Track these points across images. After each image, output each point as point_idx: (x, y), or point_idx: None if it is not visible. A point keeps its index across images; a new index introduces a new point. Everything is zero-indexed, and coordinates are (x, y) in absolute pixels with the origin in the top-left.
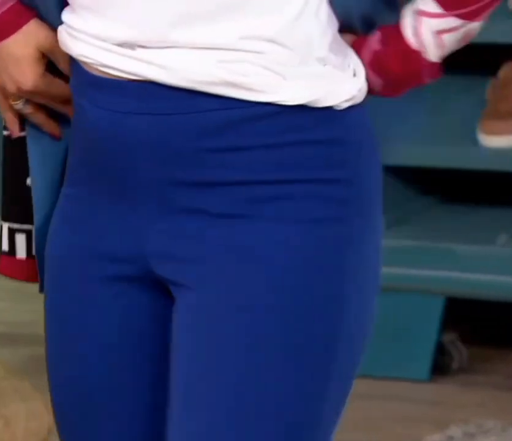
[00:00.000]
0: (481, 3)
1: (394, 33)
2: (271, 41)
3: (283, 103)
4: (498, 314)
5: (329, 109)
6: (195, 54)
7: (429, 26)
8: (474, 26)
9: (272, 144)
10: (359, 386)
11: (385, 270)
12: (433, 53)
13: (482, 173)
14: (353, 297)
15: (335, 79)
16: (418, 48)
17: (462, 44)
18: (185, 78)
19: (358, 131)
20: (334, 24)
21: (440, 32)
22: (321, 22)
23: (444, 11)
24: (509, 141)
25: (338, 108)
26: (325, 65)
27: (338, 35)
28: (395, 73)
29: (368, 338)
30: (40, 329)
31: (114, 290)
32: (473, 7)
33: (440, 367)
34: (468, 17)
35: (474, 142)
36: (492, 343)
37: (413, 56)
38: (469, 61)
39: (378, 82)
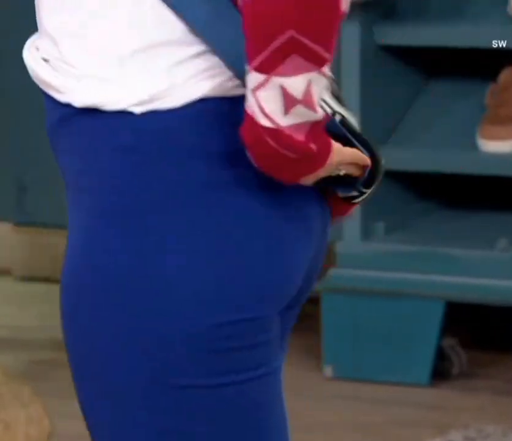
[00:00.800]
0: (266, 53)
1: None
2: (62, 43)
3: (75, 104)
4: (498, 319)
5: (120, 113)
6: (33, 55)
7: (247, 84)
8: (288, 82)
9: (72, 147)
10: (359, 390)
11: (385, 275)
12: (260, 116)
13: (481, 177)
14: None
15: (127, 83)
16: (250, 112)
17: (292, 106)
18: (33, 77)
19: (149, 138)
20: (151, 30)
21: (254, 89)
22: (118, 25)
23: (247, 66)
24: (509, 146)
25: (133, 112)
26: (121, 67)
27: (157, 41)
28: (245, 143)
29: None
30: (41, 333)
31: None
32: (261, 58)
33: (440, 372)
34: (263, 69)
35: (474, 147)
36: (492, 347)
37: (249, 120)
38: (468, 66)
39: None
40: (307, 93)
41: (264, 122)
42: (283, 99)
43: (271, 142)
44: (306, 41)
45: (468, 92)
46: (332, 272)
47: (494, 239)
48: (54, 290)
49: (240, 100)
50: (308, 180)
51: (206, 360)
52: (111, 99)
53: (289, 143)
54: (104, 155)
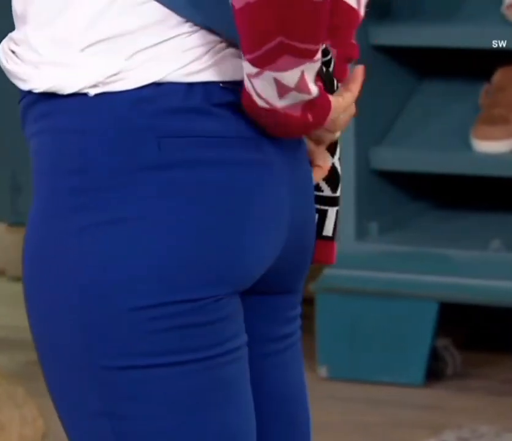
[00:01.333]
0: (259, 53)
1: None
2: (22, 32)
3: (35, 90)
4: (492, 319)
5: (74, 96)
6: (4, 48)
7: (243, 68)
8: (281, 75)
9: (34, 132)
10: (353, 390)
11: (378, 275)
12: (256, 97)
13: (475, 178)
14: None
15: (85, 67)
16: (247, 90)
17: (285, 93)
18: (3, 69)
19: (99, 119)
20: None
21: (249, 76)
22: (82, 16)
23: (243, 55)
24: (503, 146)
25: (88, 94)
26: (82, 54)
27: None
28: (246, 109)
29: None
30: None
31: None
32: (254, 55)
33: (434, 372)
34: (257, 64)
35: (468, 147)
36: (486, 348)
37: (247, 96)
38: (462, 66)
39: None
40: (300, 81)
41: (260, 103)
42: (277, 88)
43: (269, 117)
44: (295, 43)
45: (462, 93)
46: (327, 272)
47: (488, 239)
48: None
49: (196, 87)
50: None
51: (147, 340)
52: (68, 83)
53: (286, 118)
54: (58, 137)
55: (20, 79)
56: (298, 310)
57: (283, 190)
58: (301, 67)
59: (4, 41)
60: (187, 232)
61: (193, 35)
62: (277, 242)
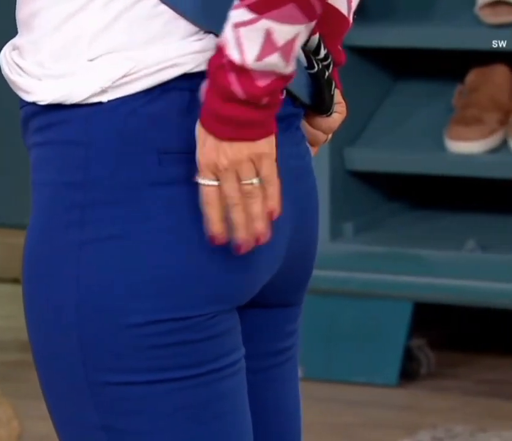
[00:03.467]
0: None
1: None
2: (25, 39)
3: (40, 103)
4: (466, 319)
5: (79, 107)
6: (6, 57)
7: (231, 17)
8: (276, 27)
9: (36, 143)
10: (327, 391)
11: (353, 275)
12: (233, 48)
13: (450, 178)
14: None
15: (86, 73)
16: (223, 43)
17: (268, 53)
18: (6, 78)
19: (103, 131)
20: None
21: (237, 24)
22: (87, 29)
23: (239, 1)
24: (476, 147)
25: (92, 105)
26: (89, 61)
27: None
28: (209, 68)
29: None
30: (9, 334)
31: None
32: None
33: (408, 373)
34: (256, 9)
35: (442, 148)
36: (460, 348)
37: (220, 51)
38: (436, 67)
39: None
40: (289, 44)
41: (235, 55)
42: (263, 43)
43: (231, 75)
44: None
45: (436, 93)
46: None
47: (462, 240)
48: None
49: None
50: (238, 147)
51: (145, 356)
52: (74, 92)
53: (247, 83)
54: (62, 149)
55: (24, 91)
56: (297, 323)
57: (286, 205)
58: (298, 27)
59: (6, 48)
60: (186, 250)
61: (201, 41)
62: (277, 258)
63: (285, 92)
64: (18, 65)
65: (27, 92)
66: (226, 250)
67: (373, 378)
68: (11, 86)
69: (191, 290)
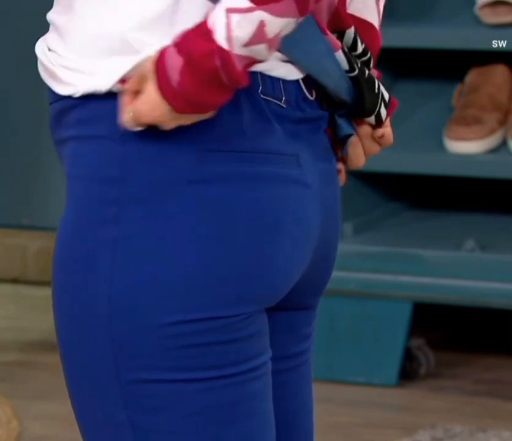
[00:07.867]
0: None
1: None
2: (58, 36)
3: (75, 95)
4: (466, 319)
5: (114, 98)
6: (41, 47)
7: (223, 1)
8: (270, 20)
9: (70, 136)
10: (326, 391)
11: (353, 275)
12: (220, 33)
13: (449, 178)
14: None
15: (114, 62)
16: (211, 27)
17: (256, 43)
18: (39, 70)
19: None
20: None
21: (230, 10)
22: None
23: None
24: (476, 146)
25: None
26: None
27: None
28: (193, 51)
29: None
30: (8, 335)
31: None
32: None
33: (408, 373)
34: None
35: (441, 148)
36: (460, 348)
37: (207, 35)
38: (436, 67)
39: (179, 63)
40: (277, 35)
41: (222, 42)
42: (254, 33)
43: (216, 59)
44: None
45: (435, 93)
46: None
47: (461, 239)
48: (22, 291)
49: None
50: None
51: (174, 355)
52: (104, 81)
53: (229, 68)
54: (97, 144)
55: (59, 82)
56: (312, 326)
57: (315, 209)
58: (289, 20)
59: (42, 41)
60: (219, 250)
61: None
62: (305, 260)
63: (314, 94)
64: (51, 54)
65: (63, 84)
66: (260, 251)
67: (373, 378)
68: (45, 78)
69: (225, 289)
